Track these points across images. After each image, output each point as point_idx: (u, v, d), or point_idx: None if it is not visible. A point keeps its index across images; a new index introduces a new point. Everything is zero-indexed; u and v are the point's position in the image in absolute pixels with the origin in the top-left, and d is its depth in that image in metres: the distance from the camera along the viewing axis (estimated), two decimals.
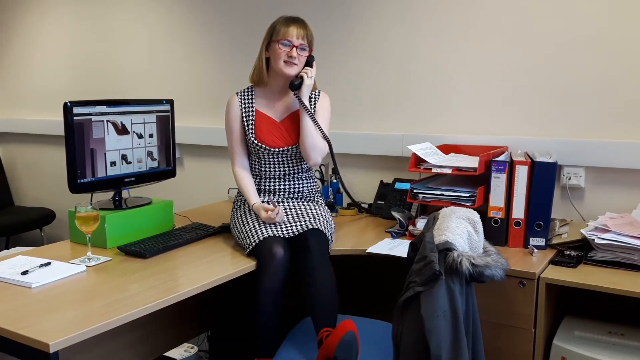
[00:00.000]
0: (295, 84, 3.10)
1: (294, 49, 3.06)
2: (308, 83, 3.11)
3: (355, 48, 3.94)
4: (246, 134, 3.18)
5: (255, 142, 3.15)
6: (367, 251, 3.02)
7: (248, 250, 2.88)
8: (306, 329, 2.76)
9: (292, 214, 3.07)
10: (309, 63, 3.15)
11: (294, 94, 3.15)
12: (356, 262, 3.42)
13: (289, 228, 2.96)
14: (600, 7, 3.17)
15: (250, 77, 3.24)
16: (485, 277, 2.26)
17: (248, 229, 2.97)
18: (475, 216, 2.52)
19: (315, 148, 3.12)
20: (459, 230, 2.37)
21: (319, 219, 3.01)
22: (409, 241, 2.64)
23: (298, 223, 2.98)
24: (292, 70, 3.09)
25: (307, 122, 3.10)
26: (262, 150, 3.15)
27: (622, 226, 2.79)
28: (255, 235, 2.89)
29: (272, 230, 2.92)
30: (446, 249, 2.27)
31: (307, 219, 3.01)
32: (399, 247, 3.00)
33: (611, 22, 3.15)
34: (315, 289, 2.69)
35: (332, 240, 3.01)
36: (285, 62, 3.07)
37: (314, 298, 2.68)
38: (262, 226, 2.94)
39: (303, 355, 2.62)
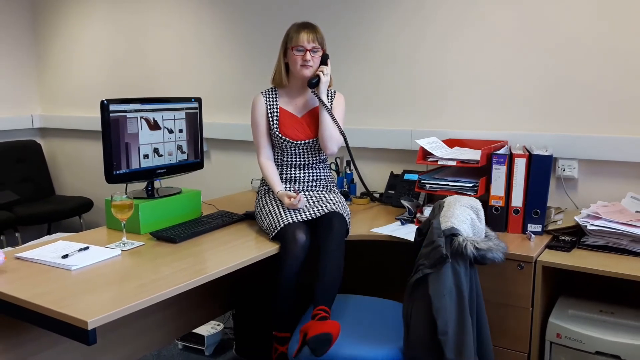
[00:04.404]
0: (313, 83, 3.13)
1: (308, 52, 3.10)
2: (324, 80, 3.14)
3: (367, 51, 3.92)
4: (271, 129, 3.21)
5: (280, 136, 3.18)
6: (371, 230, 3.05)
7: (273, 234, 2.89)
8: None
9: (313, 201, 3.09)
10: (324, 61, 3.18)
11: (312, 92, 3.19)
12: (368, 246, 3.44)
13: (311, 212, 2.97)
14: (594, 9, 3.14)
15: (272, 80, 3.28)
16: (487, 259, 2.28)
17: (272, 215, 2.98)
18: (478, 204, 2.53)
19: (332, 139, 3.16)
20: (463, 217, 2.39)
21: (338, 205, 3.03)
22: (416, 227, 2.65)
23: (319, 208, 3.00)
24: (308, 72, 3.13)
25: (325, 116, 3.14)
26: (286, 143, 3.18)
27: (612, 214, 2.78)
28: (280, 221, 2.90)
29: (295, 216, 2.93)
30: (452, 234, 2.29)
31: (329, 203, 3.03)
32: (401, 230, 3.03)
33: (604, 27, 3.13)
34: (324, 268, 2.70)
35: (350, 226, 3.02)
36: (301, 65, 3.11)
37: (321, 275, 2.69)
38: (286, 212, 2.96)
39: None
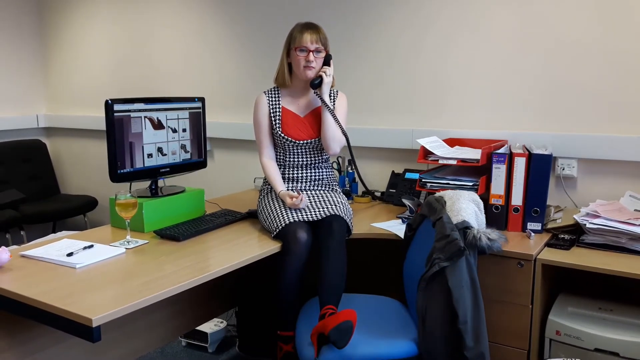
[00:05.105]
0: (315, 83, 3.12)
1: (310, 53, 3.09)
2: (327, 81, 3.13)
3: (368, 51, 3.92)
4: (273, 128, 3.21)
5: (282, 135, 3.18)
6: (371, 224, 3.08)
7: (274, 233, 2.88)
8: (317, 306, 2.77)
9: (315, 201, 3.08)
10: (327, 62, 3.17)
11: (315, 92, 3.18)
12: (370, 245, 3.43)
13: (313, 213, 2.96)
14: (594, 10, 3.14)
15: (275, 79, 3.26)
16: (493, 249, 2.35)
17: (275, 214, 2.97)
18: (478, 197, 2.61)
19: (335, 139, 3.15)
20: (470, 210, 2.46)
21: (339, 206, 3.02)
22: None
23: (321, 209, 2.99)
24: (311, 73, 3.12)
25: (327, 117, 3.13)
26: (288, 142, 3.18)
27: (611, 212, 2.78)
28: (282, 220, 2.89)
29: (296, 216, 2.92)
30: (465, 228, 2.35)
31: (330, 205, 3.03)
32: (401, 227, 3.05)
33: (603, 28, 3.13)
34: (327, 269, 2.69)
35: (352, 226, 3.02)
36: (304, 66, 3.10)
37: (324, 276, 2.67)
38: (288, 212, 2.95)
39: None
